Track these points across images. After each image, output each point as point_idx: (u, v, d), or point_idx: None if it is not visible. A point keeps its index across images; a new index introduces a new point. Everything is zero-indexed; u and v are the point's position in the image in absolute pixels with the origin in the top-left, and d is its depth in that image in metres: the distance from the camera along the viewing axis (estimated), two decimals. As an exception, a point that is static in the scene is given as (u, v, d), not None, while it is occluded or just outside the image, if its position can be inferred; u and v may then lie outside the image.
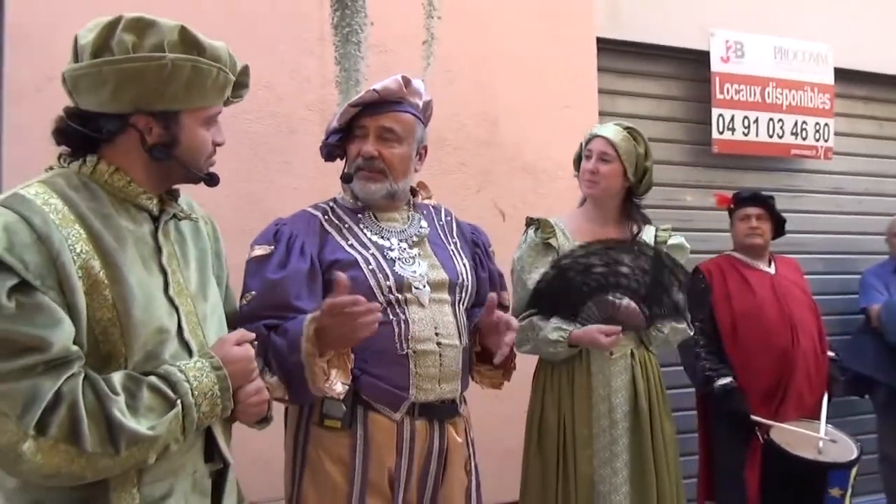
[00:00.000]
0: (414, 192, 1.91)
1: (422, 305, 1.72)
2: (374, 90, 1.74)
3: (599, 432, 2.15)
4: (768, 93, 3.64)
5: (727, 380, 2.79)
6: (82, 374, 1.10)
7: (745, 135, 3.60)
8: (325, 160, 1.86)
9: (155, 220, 1.27)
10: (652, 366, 2.23)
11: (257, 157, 2.79)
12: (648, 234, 2.32)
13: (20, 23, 2.52)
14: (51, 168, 1.24)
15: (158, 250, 1.24)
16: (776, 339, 2.82)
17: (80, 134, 1.19)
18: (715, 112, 3.54)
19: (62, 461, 1.05)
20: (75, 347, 1.09)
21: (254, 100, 2.79)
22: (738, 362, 2.83)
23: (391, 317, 1.68)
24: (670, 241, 2.31)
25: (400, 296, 1.70)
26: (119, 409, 1.08)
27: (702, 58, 3.58)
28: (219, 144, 1.31)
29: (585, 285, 1.99)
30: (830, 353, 3.01)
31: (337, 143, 1.81)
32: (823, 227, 3.93)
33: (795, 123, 3.69)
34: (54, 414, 1.05)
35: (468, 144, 3.09)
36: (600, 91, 3.42)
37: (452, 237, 1.90)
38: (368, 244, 1.74)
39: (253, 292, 1.63)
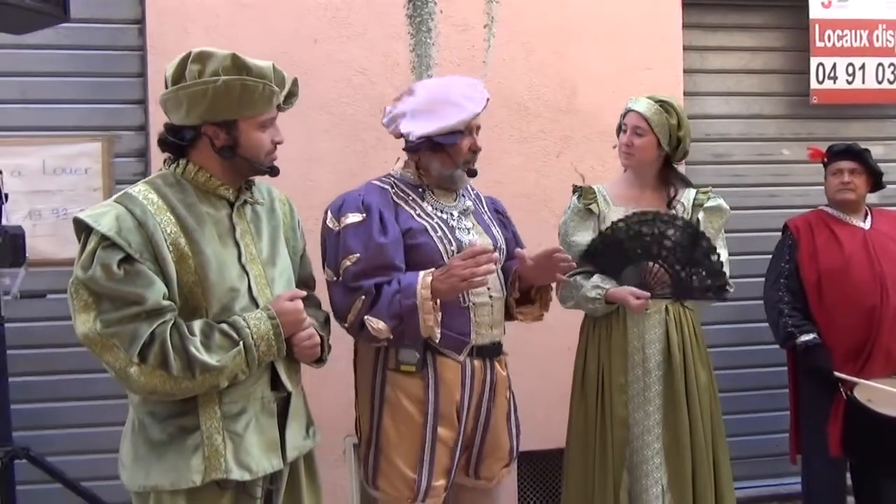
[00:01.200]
0: None
1: None
2: (487, 98, 2.05)
3: (633, 380, 2.34)
4: (877, 36, 3.43)
5: (810, 336, 2.79)
6: (172, 321, 1.51)
7: (850, 83, 3.43)
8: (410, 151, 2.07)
9: (232, 205, 1.64)
10: (687, 320, 2.37)
11: (355, 136, 3.12)
12: (688, 197, 2.43)
13: (157, 32, 3.00)
14: (160, 170, 1.67)
15: (233, 228, 1.62)
16: (863, 296, 2.77)
17: (172, 143, 1.59)
18: (814, 61, 3.41)
19: (157, 382, 1.48)
20: (167, 302, 1.50)
21: (350, 85, 3.13)
22: (822, 319, 2.81)
23: None
24: (708, 203, 2.40)
25: None
26: (195, 346, 1.49)
27: (799, 4, 3.43)
28: (278, 143, 1.66)
29: (632, 250, 2.16)
30: (931, 309, 2.89)
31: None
32: (943, 176, 3.67)
33: (909, 67, 3.47)
34: (150, 348, 1.47)
35: (547, 112, 3.24)
36: (688, 48, 3.41)
37: (484, 208, 2.20)
38: (432, 214, 2.05)
39: (358, 254, 1.92)
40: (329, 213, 2.02)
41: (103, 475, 2.91)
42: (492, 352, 2.08)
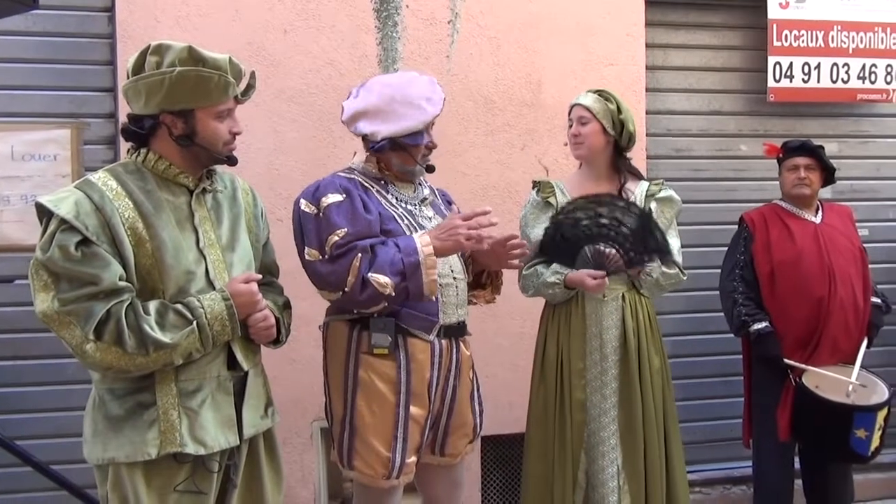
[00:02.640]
0: None
1: None
2: (444, 98, 2.14)
3: (591, 364, 2.44)
4: (832, 37, 3.54)
5: (762, 325, 2.90)
6: (128, 301, 1.56)
7: (805, 82, 3.54)
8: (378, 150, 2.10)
9: (192, 192, 1.70)
10: (642, 307, 2.48)
11: (323, 127, 3.17)
12: (640, 188, 2.53)
13: (127, 20, 3.02)
14: (124, 158, 1.72)
15: (192, 215, 1.68)
16: (812, 288, 2.88)
17: (134, 132, 1.64)
18: (771, 60, 3.51)
19: (113, 358, 1.54)
20: (122, 283, 1.56)
21: (319, 76, 3.18)
22: (774, 309, 2.92)
23: None
24: (660, 194, 2.51)
25: None
26: (149, 324, 1.55)
27: (758, 4, 3.53)
28: (237, 133, 1.71)
29: (576, 236, 2.26)
30: (875, 299, 3.01)
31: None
32: (894, 172, 3.80)
33: (863, 67, 3.58)
34: (106, 326, 1.53)
35: (512, 106, 3.31)
36: (650, 45, 3.51)
37: (438, 198, 2.28)
38: (396, 204, 2.12)
39: (345, 229, 1.97)
40: (302, 199, 2.04)
41: (73, 458, 2.93)
42: (458, 331, 2.17)
